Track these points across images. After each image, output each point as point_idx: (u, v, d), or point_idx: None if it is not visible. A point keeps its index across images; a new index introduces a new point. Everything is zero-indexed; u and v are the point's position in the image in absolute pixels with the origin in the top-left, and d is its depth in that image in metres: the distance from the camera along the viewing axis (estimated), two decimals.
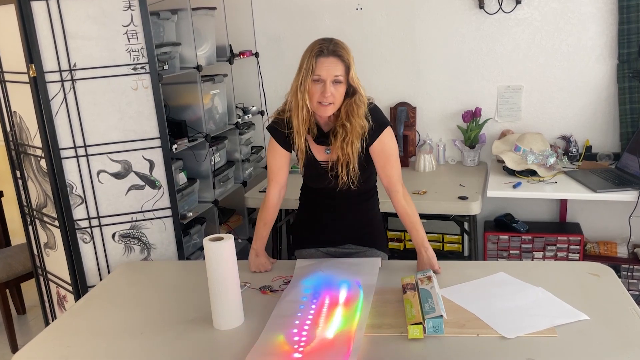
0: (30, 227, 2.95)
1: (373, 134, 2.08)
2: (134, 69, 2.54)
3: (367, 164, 2.15)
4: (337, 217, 2.26)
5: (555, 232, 3.35)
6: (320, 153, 2.16)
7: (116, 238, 2.69)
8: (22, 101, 2.59)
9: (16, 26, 2.43)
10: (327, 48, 1.97)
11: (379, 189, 2.33)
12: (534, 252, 3.34)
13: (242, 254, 3.52)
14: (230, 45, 3.48)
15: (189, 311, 1.94)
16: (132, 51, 2.52)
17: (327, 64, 1.96)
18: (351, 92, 2.03)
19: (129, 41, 2.51)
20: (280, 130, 2.14)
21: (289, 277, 2.12)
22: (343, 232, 2.28)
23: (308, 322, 1.77)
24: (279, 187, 2.25)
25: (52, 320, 2.81)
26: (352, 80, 2.00)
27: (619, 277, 2.09)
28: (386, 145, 2.12)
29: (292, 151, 2.18)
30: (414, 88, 3.68)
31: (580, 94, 3.42)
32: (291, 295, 1.95)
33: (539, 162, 3.14)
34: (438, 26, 3.54)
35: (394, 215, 2.25)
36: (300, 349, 1.63)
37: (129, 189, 2.65)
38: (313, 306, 1.86)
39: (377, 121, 2.09)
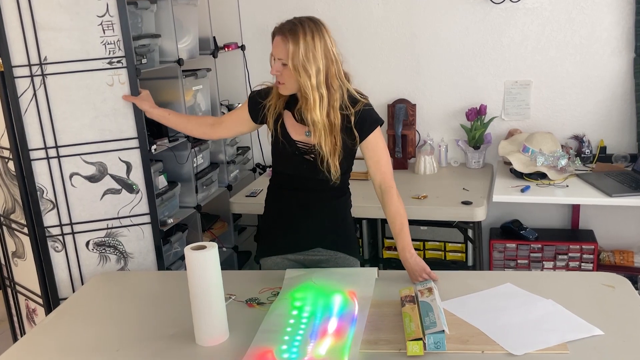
0: None
1: (367, 129, 2.17)
2: (110, 62, 2.54)
3: (350, 156, 2.23)
4: (306, 214, 2.29)
5: (567, 240, 3.36)
6: (297, 132, 2.21)
7: (90, 246, 2.68)
8: None
9: None
10: (282, 27, 2.08)
11: (371, 195, 2.36)
12: (543, 262, 3.35)
13: (227, 263, 3.52)
14: (214, 38, 3.49)
15: (169, 326, 1.94)
16: (108, 44, 2.52)
17: (275, 43, 2.10)
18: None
19: (104, 33, 2.51)
20: (258, 100, 2.28)
21: (277, 288, 2.12)
22: (313, 233, 2.30)
23: (298, 337, 1.77)
24: (218, 125, 2.46)
25: (21, 336, 2.81)
26: (295, 66, 2.04)
27: (636, 288, 2.10)
28: (379, 139, 2.21)
29: (258, 124, 2.32)
30: (413, 84, 3.69)
31: (594, 90, 3.43)
32: (280, 309, 1.95)
33: (549, 164, 3.15)
34: (439, 16, 3.56)
35: None
36: None
37: (104, 194, 2.65)
38: (304, 320, 1.86)
39: (372, 117, 2.18)
